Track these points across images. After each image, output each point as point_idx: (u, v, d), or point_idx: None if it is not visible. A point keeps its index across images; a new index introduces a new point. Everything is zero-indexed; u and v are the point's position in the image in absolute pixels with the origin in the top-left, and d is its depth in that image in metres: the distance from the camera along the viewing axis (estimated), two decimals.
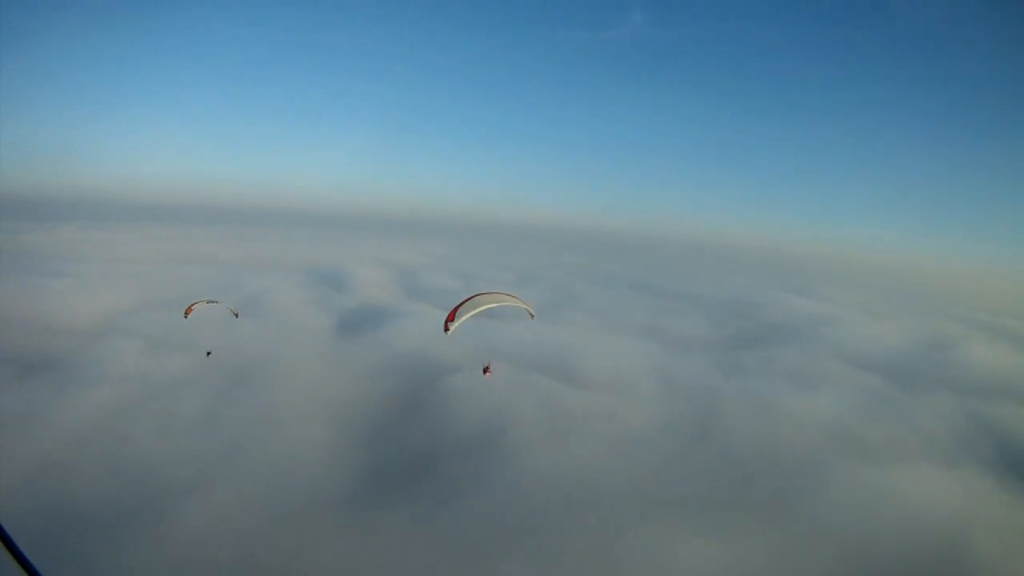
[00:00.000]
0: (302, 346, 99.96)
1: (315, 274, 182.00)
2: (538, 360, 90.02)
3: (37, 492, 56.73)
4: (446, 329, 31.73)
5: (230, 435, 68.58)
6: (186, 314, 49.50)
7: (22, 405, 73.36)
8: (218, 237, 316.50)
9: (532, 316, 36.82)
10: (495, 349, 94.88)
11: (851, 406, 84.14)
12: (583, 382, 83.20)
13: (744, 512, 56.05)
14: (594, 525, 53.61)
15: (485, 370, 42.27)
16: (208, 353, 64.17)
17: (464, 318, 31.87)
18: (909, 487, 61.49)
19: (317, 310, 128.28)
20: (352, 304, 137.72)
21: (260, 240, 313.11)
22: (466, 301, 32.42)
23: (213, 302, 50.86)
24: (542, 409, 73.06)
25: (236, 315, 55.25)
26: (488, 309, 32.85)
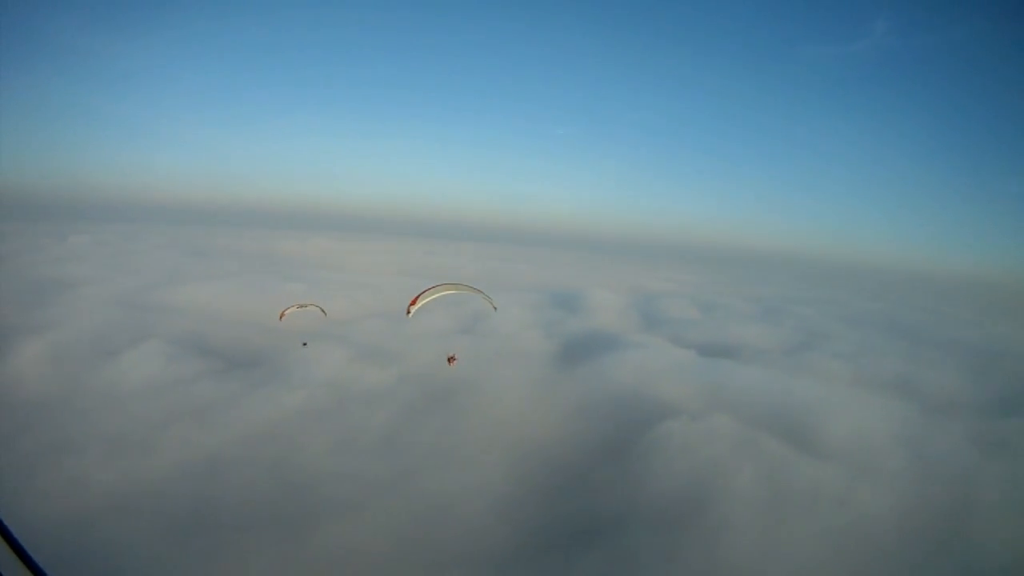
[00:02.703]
0: (513, 371, 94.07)
1: (551, 295, 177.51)
2: (769, 414, 77.26)
3: (191, 482, 57.94)
4: (408, 312, 35.32)
5: (405, 460, 65.07)
6: (280, 317, 51.38)
7: (213, 397, 75.29)
8: (459, 253, 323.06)
9: (495, 308, 39.33)
10: (724, 395, 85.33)
11: None
12: (817, 449, 68.95)
13: None
14: None
15: (450, 359, 44.13)
16: (304, 343, 63.06)
17: (424, 302, 35.35)
18: None
19: (541, 334, 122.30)
20: (580, 330, 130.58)
21: (502, 258, 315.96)
22: (429, 288, 35.69)
23: (303, 306, 52.22)
24: (762, 479, 60.78)
25: (324, 313, 55.12)
26: (449, 294, 36.25)
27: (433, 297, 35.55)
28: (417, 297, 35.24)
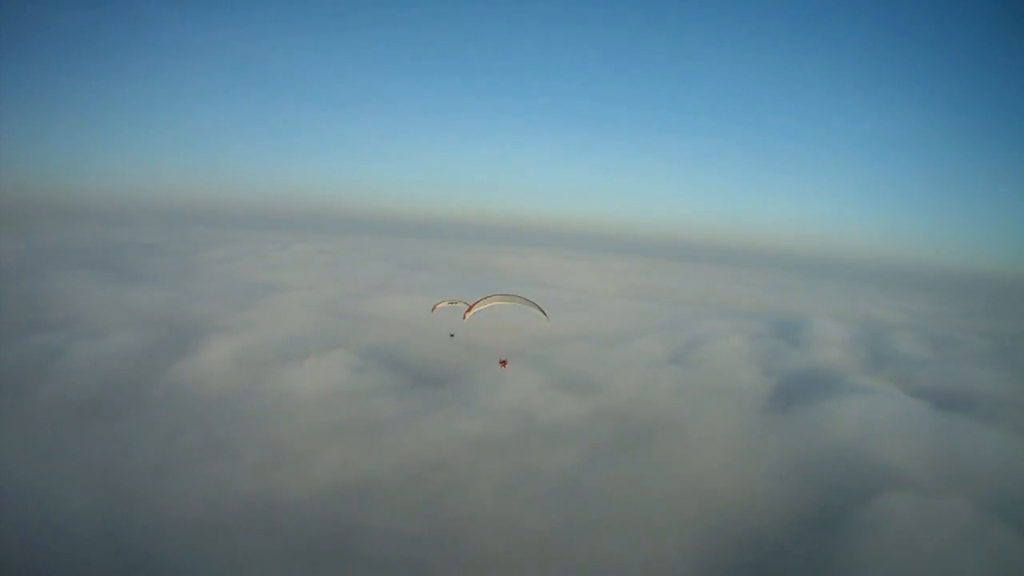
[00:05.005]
0: (720, 413, 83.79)
1: (774, 323, 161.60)
2: (1009, 496, 61.46)
3: (338, 504, 55.95)
4: (464, 317, 39.28)
5: (577, 515, 57.00)
6: (432, 310, 51.46)
7: (387, 416, 73.32)
8: (682, 273, 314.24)
9: (546, 318, 41.83)
10: (960, 464, 71.60)
11: None
12: None
13: None
14: None
15: (502, 363, 47.87)
16: (451, 335, 59.54)
17: (477, 309, 38.94)
18: None
19: (758, 369, 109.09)
20: (800, 366, 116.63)
21: (726, 280, 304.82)
22: (486, 297, 39.68)
23: (455, 302, 49.70)
24: None
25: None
26: (501, 304, 39.98)
27: (488, 306, 39.42)
28: (473, 305, 39.01)
